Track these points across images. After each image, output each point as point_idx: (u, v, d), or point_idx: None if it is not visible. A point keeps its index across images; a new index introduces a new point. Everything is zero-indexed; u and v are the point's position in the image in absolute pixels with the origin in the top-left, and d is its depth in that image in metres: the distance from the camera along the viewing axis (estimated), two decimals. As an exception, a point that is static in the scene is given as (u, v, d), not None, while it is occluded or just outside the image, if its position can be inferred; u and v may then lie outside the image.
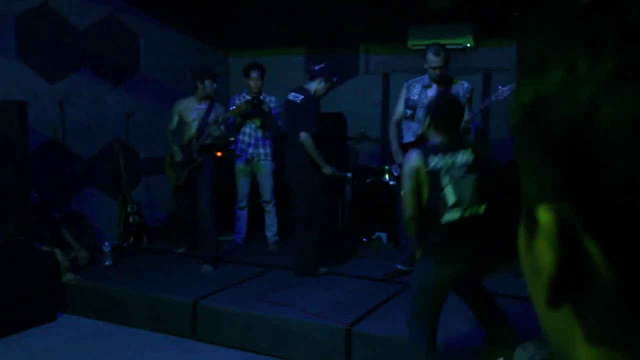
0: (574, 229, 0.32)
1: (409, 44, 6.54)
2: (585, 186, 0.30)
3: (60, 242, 5.15)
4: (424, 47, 4.91)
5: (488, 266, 3.03)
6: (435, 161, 2.84)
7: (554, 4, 0.33)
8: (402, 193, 2.98)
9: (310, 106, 4.81)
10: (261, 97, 5.72)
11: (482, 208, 2.87)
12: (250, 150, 5.85)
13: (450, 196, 2.82)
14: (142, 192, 6.58)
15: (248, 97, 5.77)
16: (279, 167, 5.87)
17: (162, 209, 6.59)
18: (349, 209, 6.50)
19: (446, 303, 2.99)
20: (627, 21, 0.29)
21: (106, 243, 5.38)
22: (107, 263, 5.32)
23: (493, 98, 4.46)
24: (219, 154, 5.75)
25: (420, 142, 3.88)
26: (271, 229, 6.00)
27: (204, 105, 5.33)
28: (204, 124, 5.28)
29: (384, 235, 6.02)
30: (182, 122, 5.39)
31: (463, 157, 2.88)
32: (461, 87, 4.64)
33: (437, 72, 4.53)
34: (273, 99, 5.83)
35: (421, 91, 4.67)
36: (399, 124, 4.86)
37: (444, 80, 4.62)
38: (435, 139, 2.95)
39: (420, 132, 4.37)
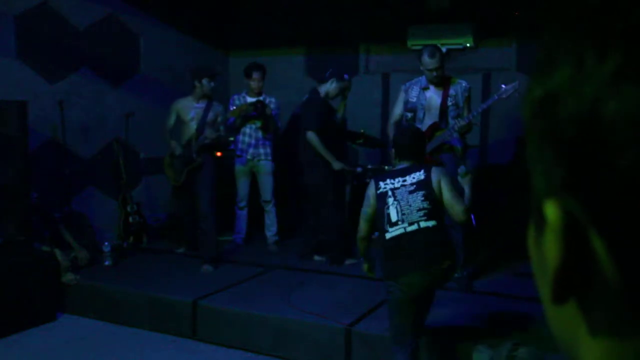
0: (580, 224, 0.32)
1: (409, 44, 6.54)
2: (590, 182, 0.31)
3: (60, 242, 5.15)
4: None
5: (440, 279, 3.05)
6: (384, 185, 3.08)
7: (564, 3, 0.33)
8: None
9: (314, 105, 4.89)
10: (262, 98, 5.73)
11: (431, 223, 2.96)
12: (251, 150, 5.85)
13: (392, 214, 3.00)
14: (142, 192, 6.58)
15: (248, 97, 5.78)
16: (280, 167, 5.88)
17: (162, 209, 6.59)
18: (349, 209, 6.49)
19: None
20: (632, 21, 0.29)
21: (106, 243, 5.38)
22: (107, 263, 5.32)
23: (496, 96, 4.43)
24: (218, 154, 5.76)
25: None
26: (271, 228, 6.00)
27: (201, 105, 5.34)
28: (202, 123, 5.28)
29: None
30: (180, 122, 5.39)
31: (414, 177, 3.03)
32: (459, 86, 4.61)
33: (434, 73, 4.49)
34: (273, 99, 5.84)
35: (419, 93, 4.65)
36: (397, 126, 4.86)
37: (442, 81, 4.59)
38: (401, 165, 3.16)
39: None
